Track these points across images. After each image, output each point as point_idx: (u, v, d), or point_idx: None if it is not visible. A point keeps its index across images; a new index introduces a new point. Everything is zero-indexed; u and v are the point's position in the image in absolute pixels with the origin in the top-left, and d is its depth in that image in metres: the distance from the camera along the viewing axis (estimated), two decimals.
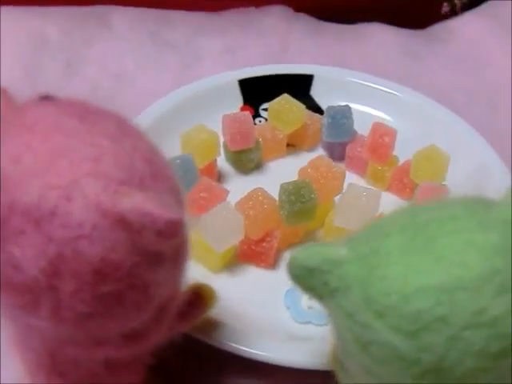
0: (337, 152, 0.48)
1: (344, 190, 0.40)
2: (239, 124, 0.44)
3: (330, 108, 0.47)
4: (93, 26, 0.59)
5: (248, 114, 0.46)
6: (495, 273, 0.22)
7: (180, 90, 0.51)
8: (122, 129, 0.25)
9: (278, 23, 0.61)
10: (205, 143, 0.43)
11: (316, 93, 0.53)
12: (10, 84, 0.28)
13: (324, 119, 0.47)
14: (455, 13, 0.65)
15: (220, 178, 0.46)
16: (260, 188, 0.40)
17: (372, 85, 0.51)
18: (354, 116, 0.47)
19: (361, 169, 0.46)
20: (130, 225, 0.22)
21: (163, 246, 0.24)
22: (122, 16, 0.60)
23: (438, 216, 0.24)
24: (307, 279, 0.26)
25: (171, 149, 0.40)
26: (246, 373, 0.36)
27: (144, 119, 0.46)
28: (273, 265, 0.40)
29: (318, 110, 0.51)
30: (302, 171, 0.42)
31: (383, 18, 0.63)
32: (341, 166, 0.44)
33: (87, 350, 0.28)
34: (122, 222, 0.22)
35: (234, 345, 0.34)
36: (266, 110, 0.51)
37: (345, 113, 0.46)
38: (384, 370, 0.24)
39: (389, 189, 0.46)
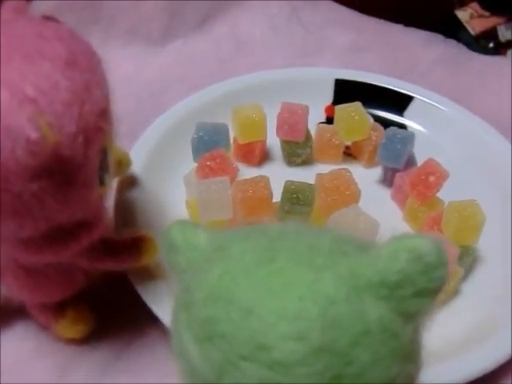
0: (387, 177, 0.45)
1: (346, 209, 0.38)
2: (290, 114, 0.44)
3: (392, 129, 0.44)
4: None
5: (306, 108, 0.45)
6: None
7: (277, 72, 0.52)
8: (73, 60, 0.28)
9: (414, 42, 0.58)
10: (249, 120, 0.44)
11: (410, 115, 0.50)
12: None
13: (384, 148, 0.44)
14: None
15: (262, 161, 0.47)
16: (265, 177, 0.40)
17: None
18: (436, 153, 0.44)
19: (402, 202, 0.43)
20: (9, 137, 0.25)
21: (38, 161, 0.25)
22: None
23: (292, 247, 0.23)
24: (169, 254, 0.26)
25: None
26: None
27: (235, 86, 0.49)
28: None
29: None
30: (319, 176, 0.40)
31: None
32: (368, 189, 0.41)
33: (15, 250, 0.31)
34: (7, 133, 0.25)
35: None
36: None
37: (404, 139, 0.43)
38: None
39: (421, 232, 0.42)
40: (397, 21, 0.60)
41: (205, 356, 0.22)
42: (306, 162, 0.47)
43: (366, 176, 0.46)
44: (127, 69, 0.58)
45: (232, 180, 0.40)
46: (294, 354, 0.20)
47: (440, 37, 0.59)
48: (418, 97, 0.50)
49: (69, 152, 0.26)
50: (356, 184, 0.40)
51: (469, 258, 0.39)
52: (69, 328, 0.36)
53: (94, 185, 0.29)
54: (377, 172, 0.46)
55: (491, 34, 0.61)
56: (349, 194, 0.39)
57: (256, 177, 0.40)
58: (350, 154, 0.47)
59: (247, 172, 0.46)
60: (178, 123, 0.46)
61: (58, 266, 0.33)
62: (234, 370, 0.21)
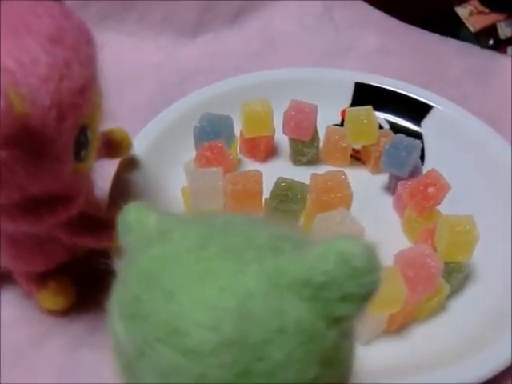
0: (392, 184, 0.44)
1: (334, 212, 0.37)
2: (296, 112, 0.44)
3: (399, 137, 0.43)
4: None
5: (314, 107, 0.44)
6: None
7: (299, 70, 0.52)
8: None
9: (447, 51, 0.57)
10: (256, 114, 0.44)
11: (428, 125, 0.49)
12: None
13: (387, 154, 0.43)
14: None
15: (268, 157, 0.46)
16: (259, 171, 0.40)
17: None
18: (447, 165, 0.43)
19: (402, 211, 0.42)
20: None
21: None
22: None
23: (228, 237, 0.22)
24: (122, 233, 0.26)
25: None
26: None
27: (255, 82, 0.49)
28: None
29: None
30: (313, 176, 0.40)
31: None
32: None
33: None
34: None
35: None
36: None
37: (410, 147, 0.42)
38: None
39: (416, 243, 0.40)
40: (397, 18, 0.59)
41: (128, 334, 0.22)
42: (312, 161, 0.46)
43: (371, 182, 0.45)
44: (157, 57, 0.59)
45: (227, 172, 0.40)
46: (205, 342, 0.20)
47: (475, 48, 0.57)
48: (437, 107, 0.49)
49: (40, 125, 0.27)
50: (349, 188, 0.39)
51: (458, 275, 0.37)
52: (50, 299, 0.37)
53: (66, 160, 0.29)
54: (383, 179, 0.45)
55: (491, 30, 0.60)
56: (340, 197, 0.38)
57: (250, 171, 0.40)
58: (358, 158, 0.47)
59: (251, 167, 0.45)
60: (186, 113, 0.46)
61: (38, 237, 0.34)
62: (150, 352, 0.21)
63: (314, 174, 0.40)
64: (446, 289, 0.37)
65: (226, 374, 0.20)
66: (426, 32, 0.58)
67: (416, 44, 0.57)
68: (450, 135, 0.48)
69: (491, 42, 0.60)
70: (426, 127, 0.49)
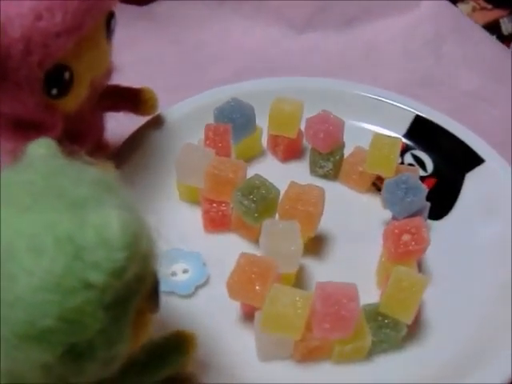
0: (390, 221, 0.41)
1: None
2: (318, 122, 0.43)
3: (407, 175, 0.40)
4: None
5: (340, 122, 0.43)
6: None
7: (369, 89, 0.50)
8: None
9: None
10: (282, 112, 0.43)
11: (473, 179, 0.44)
12: None
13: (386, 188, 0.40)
14: None
15: (288, 159, 0.46)
16: (243, 163, 0.40)
17: None
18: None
19: None
20: None
21: None
22: None
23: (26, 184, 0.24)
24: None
25: None
26: None
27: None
28: None
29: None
30: (292, 184, 0.39)
31: None
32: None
33: None
34: None
35: None
36: (414, 156, 0.47)
37: (411, 189, 0.39)
38: None
39: (381, 287, 0.38)
40: None
41: None
42: (328, 177, 0.45)
43: (382, 213, 0.42)
44: (261, 43, 0.61)
45: (223, 156, 0.41)
46: None
47: None
48: (490, 163, 0.44)
49: (5, 52, 0.31)
50: (318, 206, 0.37)
51: (390, 332, 0.34)
52: None
53: (30, 90, 0.33)
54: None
55: (494, 26, 0.57)
56: (302, 211, 0.37)
57: (237, 161, 0.40)
58: (379, 188, 0.44)
59: (267, 163, 0.46)
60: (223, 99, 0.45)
61: None
62: None
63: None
64: (367, 341, 0.34)
65: None
66: None
67: None
68: (489, 197, 0.43)
69: (494, 37, 0.57)
70: (470, 180, 0.44)
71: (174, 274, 0.38)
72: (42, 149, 0.27)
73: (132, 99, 0.43)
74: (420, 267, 0.39)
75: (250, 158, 0.46)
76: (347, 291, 0.33)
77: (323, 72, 0.55)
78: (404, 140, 0.47)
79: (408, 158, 0.47)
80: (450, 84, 0.53)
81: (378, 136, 0.42)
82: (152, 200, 0.42)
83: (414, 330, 0.36)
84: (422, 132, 0.47)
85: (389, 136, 0.43)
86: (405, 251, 0.36)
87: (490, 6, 0.59)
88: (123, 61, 0.56)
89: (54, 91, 0.34)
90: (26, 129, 0.36)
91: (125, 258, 0.21)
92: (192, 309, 0.37)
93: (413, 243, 0.36)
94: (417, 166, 0.44)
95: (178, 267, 0.39)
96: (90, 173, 0.26)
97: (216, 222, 0.40)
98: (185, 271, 0.38)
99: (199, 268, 0.38)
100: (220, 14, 0.63)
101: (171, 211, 0.42)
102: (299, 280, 0.38)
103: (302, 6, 0.61)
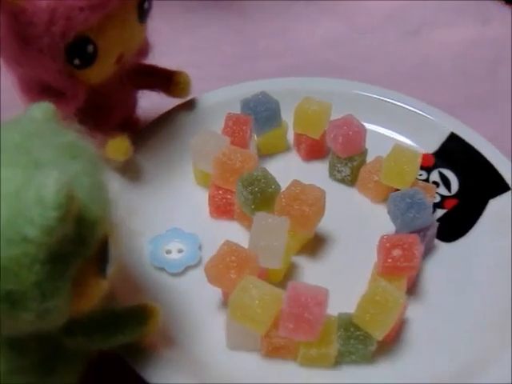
0: None
1: None
2: (340, 125, 0.42)
3: (416, 191, 0.38)
4: None
5: (362, 129, 0.42)
6: None
7: (410, 101, 0.48)
8: None
9: None
10: (307, 112, 0.43)
11: (495, 206, 0.42)
12: None
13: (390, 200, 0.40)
14: None
15: (310, 159, 0.46)
16: (254, 155, 0.40)
17: None
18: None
19: None
20: None
21: None
22: None
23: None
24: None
25: None
26: None
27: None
28: None
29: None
30: (294, 181, 0.39)
31: None
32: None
33: None
34: None
35: None
36: (441, 174, 0.45)
37: (414, 206, 0.38)
38: None
39: None
40: None
41: None
42: (346, 182, 0.44)
43: (389, 226, 0.41)
44: (314, 45, 0.60)
45: (239, 146, 0.42)
46: None
47: None
48: None
49: (29, 20, 0.33)
50: (316, 207, 0.37)
51: (357, 345, 0.33)
52: None
53: (52, 57, 0.35)
54: None
55: None
56: (297, 210, 0.37)
57: (248, 151, 0.41)
58: None
59: (288, 159, 0.46)
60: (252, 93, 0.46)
61: None
62: None
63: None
64: (333, 348, 0.33)
65: None
66: None
67: None
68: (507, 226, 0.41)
69: None
70: (492, 207, 0.42)
71: (169, 251, 0.40)
72: (38, 111, 0.29)
73: (164, 80, 0.45)
74: (417, 286, 0.38)
75: (274, 152, 0.46)
76: (317, 295, 0.32)
77: (374, 79, 0.54)
78: (434, 157, 0.45)
79: (434, 176, 0.45)
80: (502, 107, 0.51)
81: (397, 147, 0.41)
82: (169, 181, 0.44)
83: (389, 347, 0.35)
84: (455, 151, 0.45)
85: (409, 149, 0.41)
86: (393, 266, 0.35)
87: None
88: (181, 44, 0.59)
89: (77, 61, 0.36)
90: (50, 95, 0.38)
91: (56, 217, 0.23)
92: (178, 288, 0.38)
93: (402, 259, 0.35)
94: (433, 185, 0.42)
95: (174, 246, 0.40)
96: (65, 139, 0.27)
97: (220, 209, 0.41)
98: (180, 251, 0.40)
99: (194, 250, 0.39)
100: (286, 11, 0.63)
101: (184, 193, 0.43)
102: (289, 278, 0.38)
103: (367, 11, 0.60)
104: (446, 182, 0.44)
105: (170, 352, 0.34)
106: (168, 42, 0.57)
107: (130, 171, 0.43)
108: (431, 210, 0.38)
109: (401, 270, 0.35)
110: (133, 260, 0.39)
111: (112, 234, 0.28)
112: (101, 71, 0.38)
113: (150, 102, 0.46)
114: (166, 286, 0.38)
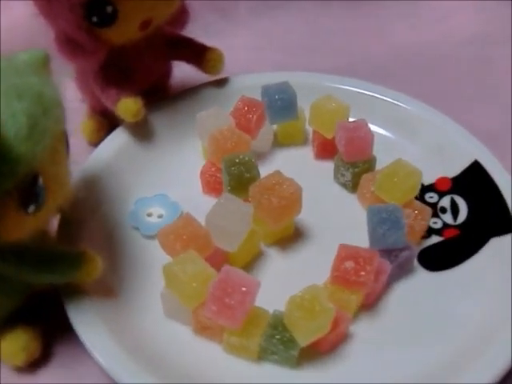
0: None
1: None
2: (348, 129, 0.41)
3: (396, 209, 0.36)
4: None
5: (369, 136, 0.40)
6: None
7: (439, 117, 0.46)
8: None
9: None
10: (322, 109, 0.43)
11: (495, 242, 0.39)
12: None
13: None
14: None
15: (321, 158, 0.45)
16: (249, 138, 0.41)
17: None
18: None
19: None
20: None
21: None
22: None
23: None
24: None
25: None
26: None
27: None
28: None
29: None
30: (276, 172, 0.38)
31: None
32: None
33: None
34: None
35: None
36: (453, 201, 0.42)
37: (390, 222, 0.36)
38: None
39: None
40: None
41: None
42: (348, 188, 0.43)
43: None
44: (379, 45, 0.58)
45: (244, 130, 0.42)
46: None
47: None
48: None
49: None
50: (288, 202, 0.37)
51: (281, 347, 0.33)
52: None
53: (71, 11, 0.37)
54: None
55: None
56: (266, 199, 0.36)
57: (244, 134, 0.41)
58: None
59: (302, 156, 0.45)
60: None
61: None
62: None
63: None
64: (254, 342, 0.33)
65: None
66: None
67: None
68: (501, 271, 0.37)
69: None
70: (494, 246, 0.39)
71: (150, 214, 0.41)
72: (26, 54, 0.32)
73: (197, 55, 0.46)
74: (378, 305, 0.36)
75: (291, 144, 0.46)
76: (246, 284, 0.32)
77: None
78: (452, 182, 0.43)
79: (445, 201, 0.42)
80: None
81: (400, 161, 0.39)
82: (179, 150, 0.45)
83: (321, 357, 0.34)
84: (473, 180, 0.42)
85: (411, 165, 0.39)
86: (342, 277, 0.34)
87: None
88: (255, 27, 0.59)
89: (95, 19, 0.38)
90: (73, 47, 0.41)
91: None
92: (145, 249, 0.39)
93: (352, 272, 0.34)
94: (429, 209, 0.39)
95: (156, 211, 0.41)
96: (23, 80, 0.29)
97: (210, 186, 0.42)
98: (159, 216, 0.41)
99: (172, 218, 0.40)
100: (366, 12, 0.62)
101: (188, 165, 0.44)
102: (253, 266, 0.38)
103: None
104: (455, 210, 0.41)
105: (104, 302, 0.35)
106: (244, 23, 0.59)
107: (144, 131, 0.44)
108: (404, 231, 0.36)
109: (350, 284, 0.34)
110: (114, 213, 0.41)
111: (49, 178, 0.30)
112: (123, 33, 0.40)
113: (183, 74, 0.48)
114: (131, 244, 0.39)
